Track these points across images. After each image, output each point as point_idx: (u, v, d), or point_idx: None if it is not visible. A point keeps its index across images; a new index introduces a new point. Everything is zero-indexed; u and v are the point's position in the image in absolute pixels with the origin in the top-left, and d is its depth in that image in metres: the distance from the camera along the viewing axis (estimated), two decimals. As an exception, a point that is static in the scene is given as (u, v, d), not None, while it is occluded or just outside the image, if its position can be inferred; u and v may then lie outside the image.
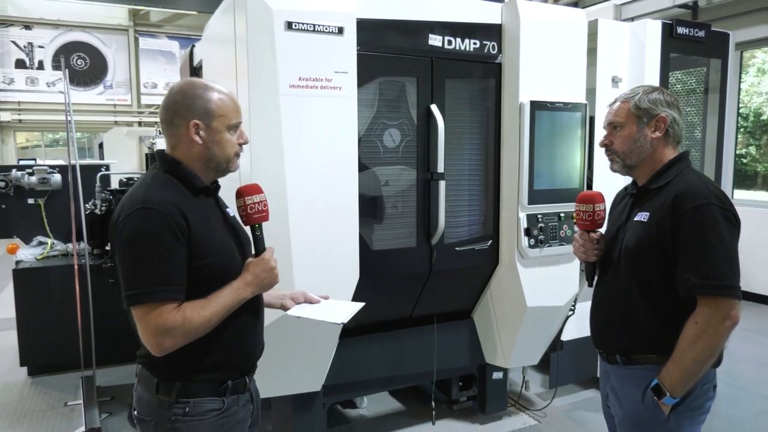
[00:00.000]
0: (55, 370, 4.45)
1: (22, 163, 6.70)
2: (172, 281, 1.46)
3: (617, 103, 1.87)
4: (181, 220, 1.47)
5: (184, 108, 1.55)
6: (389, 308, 3.15)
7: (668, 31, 3.64)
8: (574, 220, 2.02)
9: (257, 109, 2.42)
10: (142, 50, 20.17)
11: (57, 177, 4.63)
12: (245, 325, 1.65)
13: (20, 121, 17.40)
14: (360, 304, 1.86)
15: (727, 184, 4.24)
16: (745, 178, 7.90)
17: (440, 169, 2.90)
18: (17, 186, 4.55)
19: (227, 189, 1.75)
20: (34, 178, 4.56)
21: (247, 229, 1.70)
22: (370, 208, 2.86)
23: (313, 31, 2.47)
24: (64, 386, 4.24)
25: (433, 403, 3.45)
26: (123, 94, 19.13)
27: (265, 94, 2.42)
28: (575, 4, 8.48)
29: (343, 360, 2.96)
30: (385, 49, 2.78)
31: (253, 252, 1.68)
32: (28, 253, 4.54)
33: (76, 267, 3.51)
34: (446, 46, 2.93)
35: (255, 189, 1.66)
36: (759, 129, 7.72)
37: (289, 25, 2.42)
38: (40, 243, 4.65)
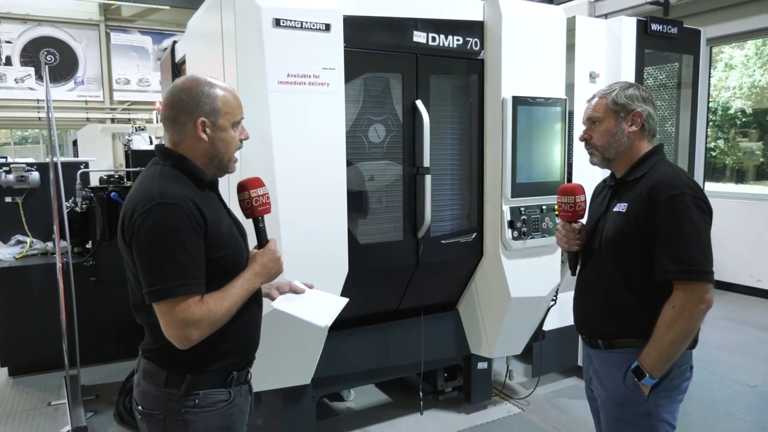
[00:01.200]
0: (36, 370, 4.40)
1: (-7, 161, 6.55)
2: (195, 274, 1.47)
3: (596, 99, 1.94)
4: (198, 215, 1.49)
5: (191, 105, 1.55)
6: (377, 301, 3.20)
7: (643, 28, 3.75)
8: (556, 212, 2.09)
9: (246, 105, 2.36)
10: (114, 45, 19.78)
11: (35, 175, 4.56)
12: (252, 316, 1.69)
13: (-12, 118, 16.94)
14: (343, 301, 1.88)
15: (698, 176, 4.38)
16: (714, 171, 8.13)
17: (426, 163, 2.95)
18: (-6, 184, 4.47)
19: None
20: (11, 176, 4.48)
21: (247, 221, 1.72)
22: (357, 202, 2.90)
23: (301, 28, 2.50)
24: (46, 386, 4.20)
25: (421, 393, 3.50)
26: (95, 90, 18.75)
27: (254, 90, 2.43)
28: (551, 1, 8.61)
29: (332, 353, 2.99)
30: (370, 45, 2.82)
31: (257, 243, 1.69)
32: (7, 252, 4.47)
33: (60, 265, 3.47)
34: (430, 42, 2.98)
35: (258, 182, 1.69)
36: (727, 123, 7.95)
37: (277, 22, 2.44)
38: (19, 242, 4.58)
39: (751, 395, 3.94)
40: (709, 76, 7.23)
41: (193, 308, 1.45)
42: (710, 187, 7.59)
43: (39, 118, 18.92)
